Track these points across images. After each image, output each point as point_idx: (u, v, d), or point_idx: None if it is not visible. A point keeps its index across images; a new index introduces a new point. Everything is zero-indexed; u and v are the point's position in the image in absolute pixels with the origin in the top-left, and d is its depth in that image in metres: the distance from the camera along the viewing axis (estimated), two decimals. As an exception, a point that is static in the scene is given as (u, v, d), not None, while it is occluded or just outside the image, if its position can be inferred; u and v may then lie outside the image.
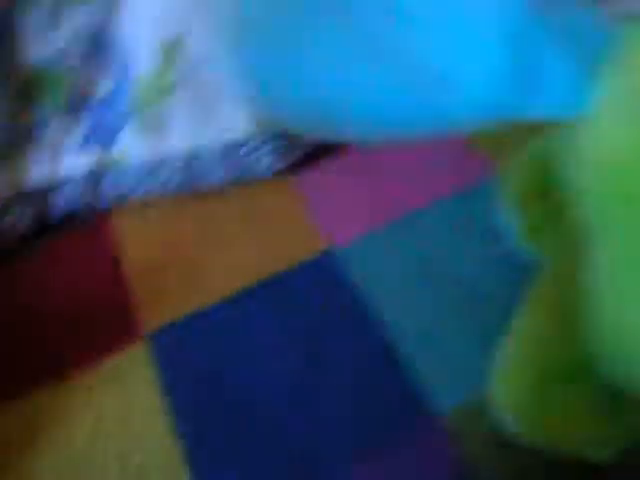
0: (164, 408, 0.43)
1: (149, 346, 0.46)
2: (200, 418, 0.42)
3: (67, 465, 0.41)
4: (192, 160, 0.50)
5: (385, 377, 0.41)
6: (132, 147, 0.50)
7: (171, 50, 0.47)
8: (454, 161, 0.51)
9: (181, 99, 0.48)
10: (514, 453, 0.37)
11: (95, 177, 0.51)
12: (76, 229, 0.54)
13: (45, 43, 0.47)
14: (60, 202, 0.52)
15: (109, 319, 0.48)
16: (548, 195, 0.40)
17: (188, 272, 0.49)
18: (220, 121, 0.49)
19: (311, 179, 0.53)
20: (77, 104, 0.49)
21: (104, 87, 0.49)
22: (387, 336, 0.43)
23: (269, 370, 0.43)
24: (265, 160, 0.50)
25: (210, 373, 0.44)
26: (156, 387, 0.44)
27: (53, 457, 0.42)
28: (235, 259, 0.49)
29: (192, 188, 0.52)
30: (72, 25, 0.49)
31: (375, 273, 0.46)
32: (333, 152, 0.53)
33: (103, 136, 0.50)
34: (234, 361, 0.44)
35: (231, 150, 0.50)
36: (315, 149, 0.53)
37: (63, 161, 0.51)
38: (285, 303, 0.46)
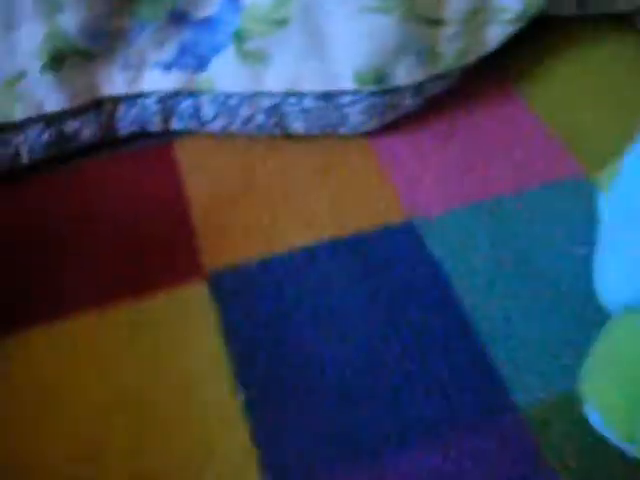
0: (224, 353, 0.41)
1: (211, 285, 0.44)
2: (261, 369, 0.40)
3: (119, 392, 0.39)
4: (283, 102, 0.48)
5: (464, 358, 0.40)
6: (223, 76, 0.47)
7: (290, -17, 0.44)
8: (546, 158, 0.50)
9: (289, 37, 0.45)
10: (595, 455, 0.36)
11: (175, 99, 0.49)
12: (142, 149, 0.51)
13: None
14: (131, 117, 0.50)
15: (169, 249, 0.46)
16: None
17: (257, 216, 0.47)
18: (323, 68, 0.46)
19: (398, 145, 0.51)
20: (176, 19, 0.46)
21: (208, 8, 0.47)
22: (468, 317, 0.42)
23: (339, 331, 0.42)
24: (358, 117, 0.48)
25: (274, 325, 0.42)
26: (217, 330, 0.42)
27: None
28: (310, 212, 0.47)
29: (274, 131, 0.50)
30: None
31: (457, 251, 0.45)
32: (425, 121, 0.52)
33: (195, 58, 0.47)
34: (301, 316, 0.42)
35: (326, 99, 0.48)
36: (407, 115, 0.51)
37: (147, 75, 0.48)
38: (362, 265, 0.44)
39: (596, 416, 0.36)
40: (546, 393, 0.39)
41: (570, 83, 0.56)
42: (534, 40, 0.59)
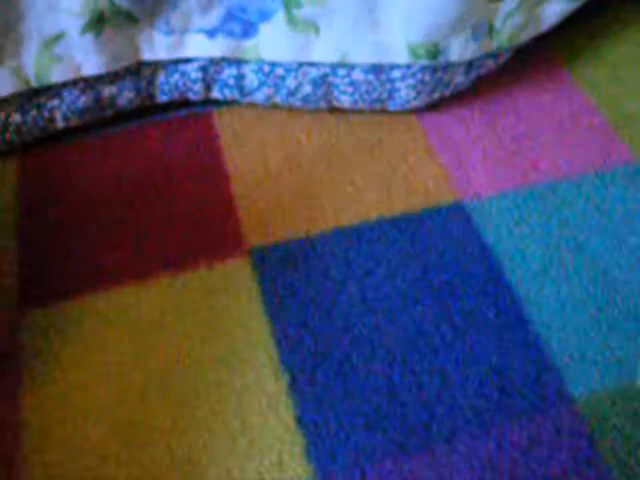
0: (267, 332, 0.39)
1: (253, 261, 0.42)
2: (306, 350, 0.39)
3: (156, 370, 0.38)
4: (332, 73, 0.46)
5: (518, 346, 0.39)
6: (270, 44, 0.45)
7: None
8: (598, 143, 0.48)
9: (342, 6, 0.43)
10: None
11: (218, 66, 0.47)
12: (181, 118, 0.50)
13: None
14: (171, 84, 0.48)
15: (209, 222, 0.44)
16: None
17: (301, 191, 0.46)
18: (375, 39, 0.44)
19: (447, 124, 0.49)
20: (223, -17, 0.44)
21: (257, -29, 0.45)
22: (521, 304, 0.40)
23: (387, 313, 0.40)
24: (407, 92, 0.46)
25: (319, 305, 0.41)
26: (260, 307, 0.40)
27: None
28: (356, 189, 0.46)
29: (320, 104, 0.48)
30: None
31: (509, 235, 0.43)
32: (474, 101, 0.50)
33: (241, 24, 0.45)
34: (348, 297, 0.41)
35: (376, 72, 0.46)
36: (456, 94, 0.49)
37: (190, 40, 0.46)
38: (410, 246, 0.43)
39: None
40: (601, 385, 0.37)
41: (621, 66, 0.54)
42: (585, 21, 0.57)
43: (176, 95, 0.49)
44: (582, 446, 0.36)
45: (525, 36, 0.48)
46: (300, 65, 0.46)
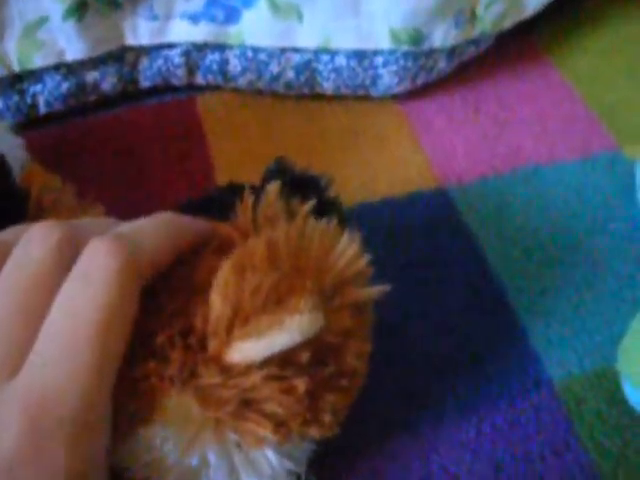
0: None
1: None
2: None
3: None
4: (314, 59, 0.46)
5: (500, 332, 0.39)
6: (253, 30, 0.45)
7: None
8: (580, 130, 0.49)
9: (325, -9, 0.44)
10: (629, 434, 0.36)
11: (201, 52, 0.47)
12: (164, 103, 0.50)
13: None
14: (155, 69, 0.48)
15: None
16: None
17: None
18: (358, 25, 0.45)
19: (430, 110, 0.49)
20: (206, -32, 0.44)
21: (240, -43, 0.45)
22: (504, 289, 0.41)
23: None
24: (390, 78, 0.47)
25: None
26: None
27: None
28: (339, 176, 0.45)
29: (303, 89, 0.48)
30: None
31: (492, 221, 0.44)
32: (456, 88, 0.50)
33: (224, 10, 0.45)
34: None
35: (359, 58, 0.46)
36: (438, 81, 0.50)
37: (173, 26, 0.46)
38: (395, 232, 0.43)
39: (634, 394, 0.35)
40: (580, 369, 0.38)
41: (604, 55, 0.54)
42: (569, 9, 0.57)
43: (159, 80, 0.49)
44: (561, 429, 0.36)
45: (508, 23, 0.48)
46: (283, 51, 0.46)
